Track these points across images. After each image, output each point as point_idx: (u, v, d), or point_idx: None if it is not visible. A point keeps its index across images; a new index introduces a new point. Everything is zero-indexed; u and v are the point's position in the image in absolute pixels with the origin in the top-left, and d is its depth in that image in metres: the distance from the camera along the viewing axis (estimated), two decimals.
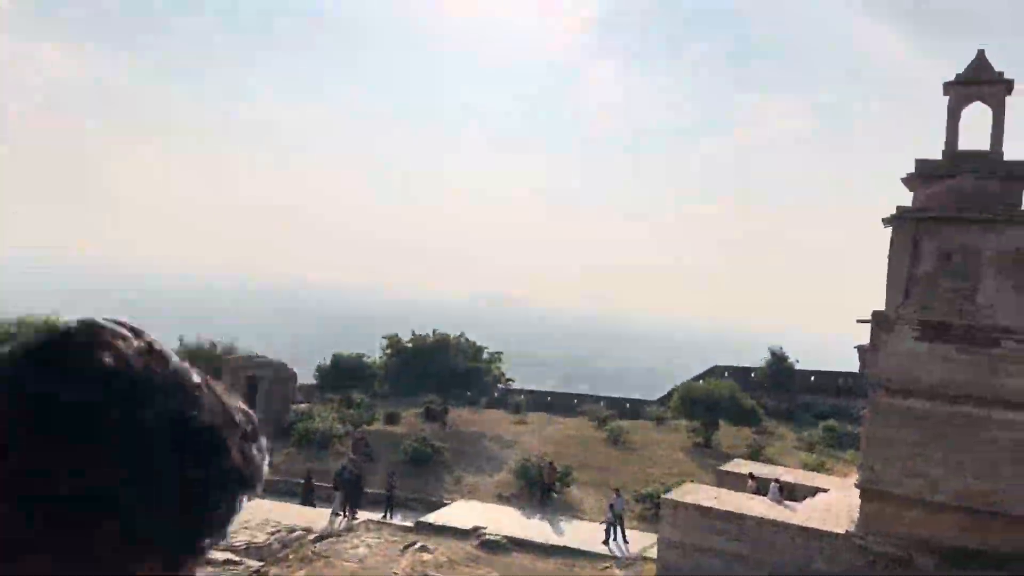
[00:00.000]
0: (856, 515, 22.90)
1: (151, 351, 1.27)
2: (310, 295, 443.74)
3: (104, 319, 1.28)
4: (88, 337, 1.24)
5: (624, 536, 29.23)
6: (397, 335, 51.45)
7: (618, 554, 27.71)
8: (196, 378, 1.28)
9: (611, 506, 29.90)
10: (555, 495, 34.99)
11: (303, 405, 46.70)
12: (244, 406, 1.34)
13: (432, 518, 30.43)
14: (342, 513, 31.45)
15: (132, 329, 1.29)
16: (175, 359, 1.30)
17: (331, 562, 24.79)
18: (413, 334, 51.37)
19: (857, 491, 23.11)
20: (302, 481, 35.58)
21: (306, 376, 64.61)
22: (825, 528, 22.96)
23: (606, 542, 28.68)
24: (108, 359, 1.22)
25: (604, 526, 29.63)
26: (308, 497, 34.30)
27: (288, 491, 35.54)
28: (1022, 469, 20.84)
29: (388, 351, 50.78)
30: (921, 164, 25.14)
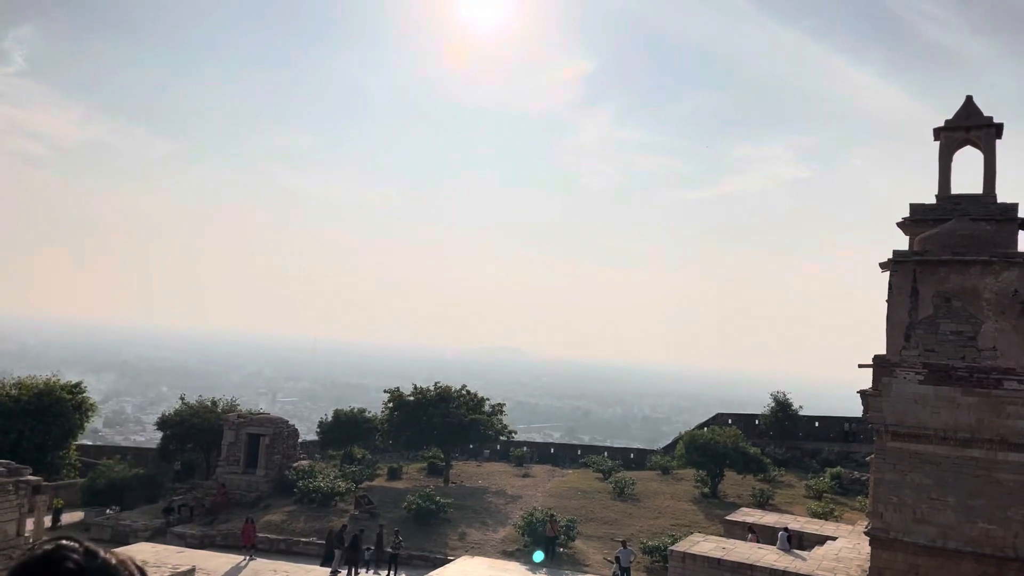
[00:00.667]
0: (867, 564, 22.53)
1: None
2: (313, 354, 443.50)
3: (67, 543, 1.98)
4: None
5: None
6: (399, 389, 51.30)
7: None
8: None
9: (617, 558, 29.49)
10: (560, 549, 34.48)
11: (304, 461, 46.33)
12: None
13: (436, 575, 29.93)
14: (341, 572, 30.98)
15: (87, 551, 1.97)
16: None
17: None
18: (415, 387, 51.27)
19: (867, 539, 22.78)
20: (318, 541, 35.19)
21: (308, 432, 64.24)
22: None
23: None
24: None
25: None
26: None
27: (288, 550, 35.11)
28: None
29: (390, 405, 50.55)
30: (915, 208, 25.37)
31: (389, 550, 33.22)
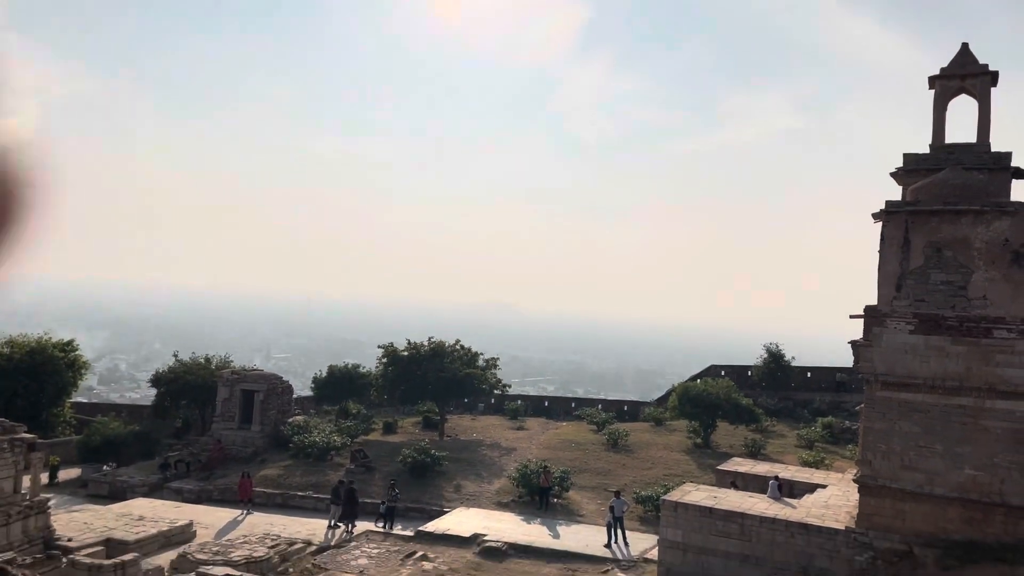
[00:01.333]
0: (856, 511, 22.90)
1: None
2: (308, 310, 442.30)
3: None
4: None
5: (625, 538, 29.18)
6: (392, 344, 51.42)
7: (619, 556, 27.66)
8: None
9: (611, 508, 29.86)
10: (555, 499, 34.90)
11: (300, 417, 46.59)
12: None
13: (432, 527, 30.31)
14: (342, 525, 31.33)
15: None
16: None
17: (332, 574, 24.67)
18: (409, 342, 51.35)
19: (856, 486, 23.11)
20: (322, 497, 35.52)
21: (303, 388, 64.60)
22: (825, 524, 22.94)
23: (608, 544, 28.62)
24: None
25: (605, 528, 29.59)
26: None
27: (285, 504, 35.47)
28: (1019, 458, 20.86)
29: (384, 360, 50.70)
30: (909, 158, 25.24)
31: (385, 503, 33.55)
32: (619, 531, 29.29)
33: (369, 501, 34.30)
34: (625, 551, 28.24)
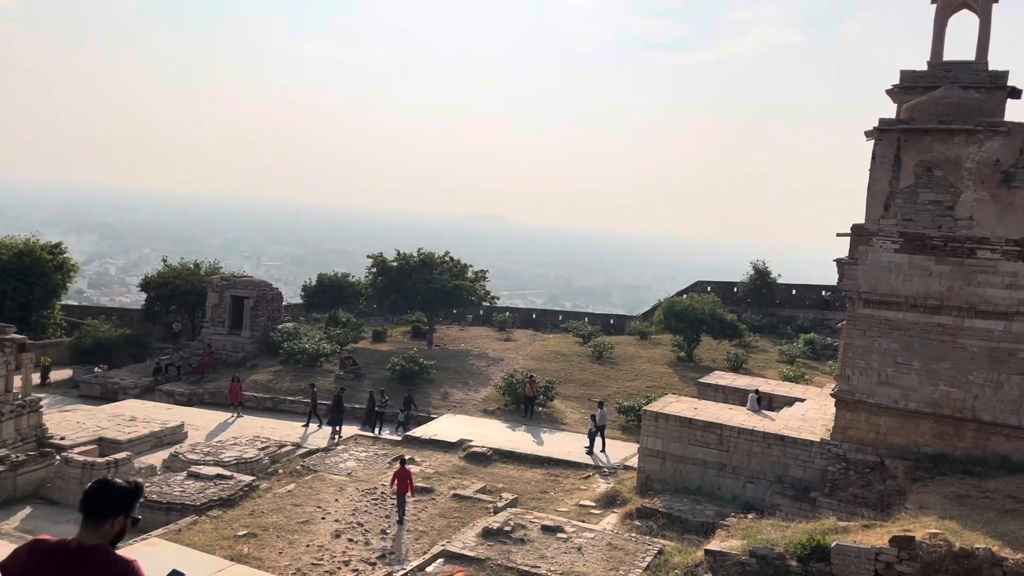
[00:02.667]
0: (832, 424, 23.52)
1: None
2: (298, 218, 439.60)
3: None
4: None
5: (604, 446, 29.99)
6: (382, 254, 51.46)
7: (600, 463, 28.47)
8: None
9: (593, 417, 30.57)
10: (539, 408, 35.63)
11: (290, 324, 47.00)
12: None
13: (419, 432, 31.00)
14: (332, 429, 32.03)
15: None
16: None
17: (321, 475, 25.34)
18: (398, 253, 51.39)
19: (833, 400, 23.68)
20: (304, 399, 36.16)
21: (293, 295, 64.87)
22: (801, 436, 23.60)
23: (590, 451, 29.41)
24: None
25: (587, 436, 30.37)
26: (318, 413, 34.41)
27: (275, 408, 36.13)
28: (993, 376, 21.36)
29: (373, 270, 50.84)
30: (906, 75, 24.90)
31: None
32: (601, 439, 30.07)
33: (357, 407, 34.99)
34: (606, 458, 29.04)
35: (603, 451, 29.76)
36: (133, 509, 3.91)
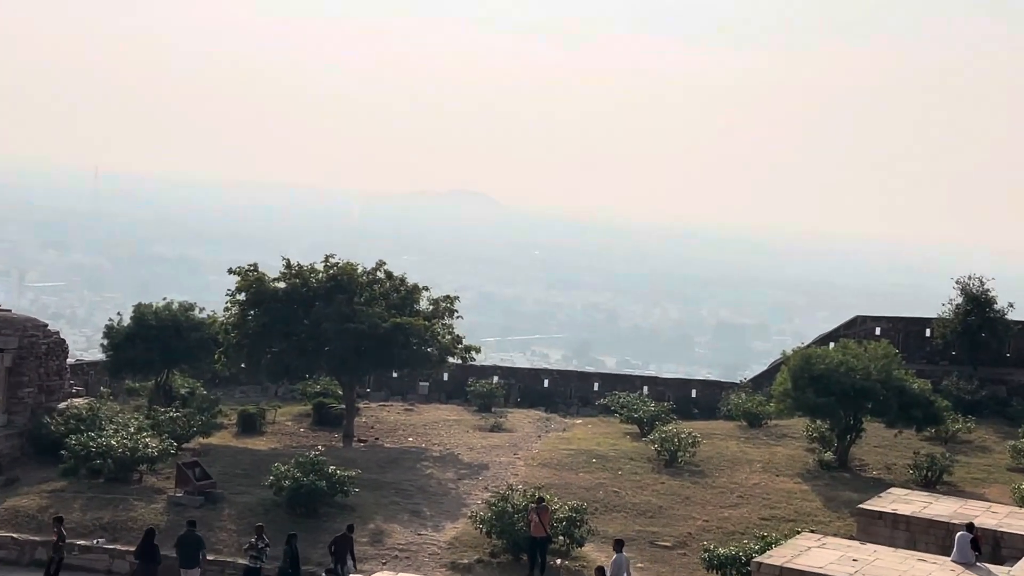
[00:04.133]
0: None
1: None
2: (97, 198, 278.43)
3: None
4: None
5: None
6: (256, 267, 34.43)
7: None
8: None
9: (601, 571, 20.61)
10: (558, 561, 24.43)
11: (81, 400, 32.92)
12: None
13: None
14: None
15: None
16: None
17: None
18: (288, 265, 34.55)
19: None
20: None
21: (89, 344, 48.79)
22: None
23: None
24: None
25: None
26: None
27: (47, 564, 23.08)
28: None
29: (240, 298, 33.74)
30: None
31: (247, 562, 22.65)
32: None
33: (212, 559, 23.41)
34: None
35: None
36: None
